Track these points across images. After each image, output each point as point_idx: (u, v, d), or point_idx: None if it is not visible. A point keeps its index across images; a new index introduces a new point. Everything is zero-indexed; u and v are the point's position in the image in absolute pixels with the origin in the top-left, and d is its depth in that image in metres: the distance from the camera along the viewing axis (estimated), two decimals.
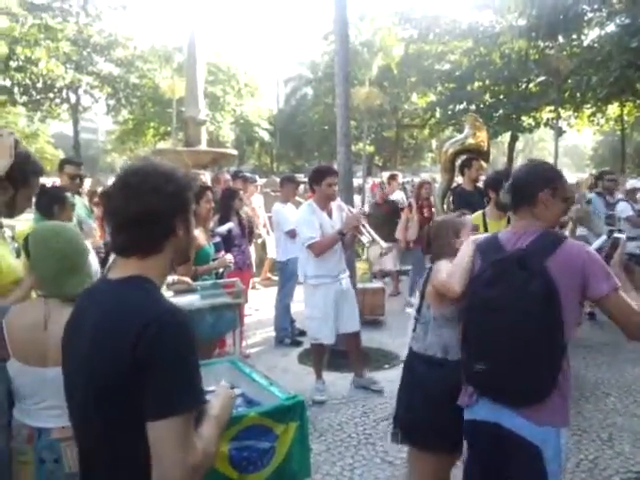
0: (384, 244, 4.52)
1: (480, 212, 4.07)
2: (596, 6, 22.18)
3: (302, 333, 6.10)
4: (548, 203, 2.11)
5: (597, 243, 2.26)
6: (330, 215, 4.55)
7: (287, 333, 6.07)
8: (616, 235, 2.18)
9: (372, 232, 4.42)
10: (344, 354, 4.93)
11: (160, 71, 31.92)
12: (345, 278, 4.65)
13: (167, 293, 3.30)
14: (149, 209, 1.34)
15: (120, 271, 1.40)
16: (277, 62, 39.97)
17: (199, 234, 4.20)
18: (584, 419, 4.17)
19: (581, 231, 6.79)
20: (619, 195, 7.07)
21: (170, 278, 3.42)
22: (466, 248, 2.29)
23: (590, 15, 22.87)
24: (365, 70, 31.41)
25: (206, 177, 8.26)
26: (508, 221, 3.93)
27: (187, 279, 3.73)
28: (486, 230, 3.90)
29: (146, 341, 1.22)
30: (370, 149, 34.74)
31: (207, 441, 1.28)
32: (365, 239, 4.36)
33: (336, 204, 4.62)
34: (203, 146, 11.17)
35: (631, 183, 7.39)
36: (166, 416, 1.20)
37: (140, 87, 31.93)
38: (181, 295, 3.53)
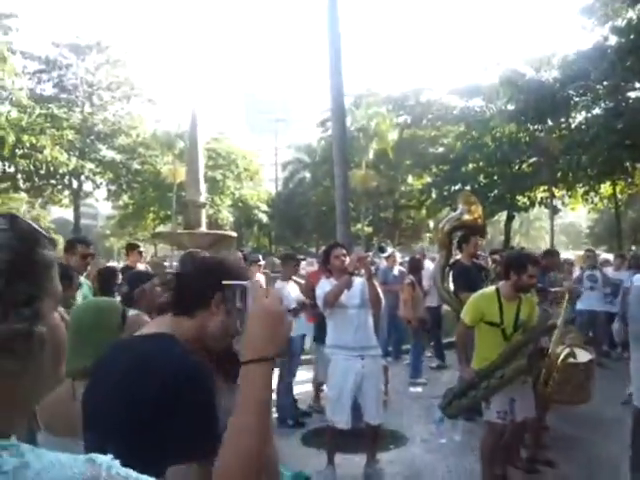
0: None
1: (493, 289, 4.04)
2: (581, 91, 23.22)
3: (305, 414, 5.90)
4: None
5: None
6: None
7: (289, 413, 5.86)
8: None
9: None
10: (352, 433, 4.50)
11: (161, 157, 32.87)
12: (370, 357, 4.31)
13: None
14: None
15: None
16: (275, 147, 40.93)
17: None
18: None
19: None
20: None
21: None
22: None
23: (576, 99, 23.89)
24: (361, 154, 32.39)
25: None
26: (520, 301, 3.95)
27: None
28: (500, 308, 3.89)
29: (172, 389, 1.24)
30: (368, 230, 35.17)
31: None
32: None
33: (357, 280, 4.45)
34: (203, 229, 11.28)
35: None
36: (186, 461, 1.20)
37: (141, 173, 32.72)
38: None
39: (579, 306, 6.50)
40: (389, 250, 9.98)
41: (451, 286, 5.91)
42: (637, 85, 21.71)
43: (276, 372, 6.14)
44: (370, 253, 4.62)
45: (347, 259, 4.40)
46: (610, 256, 9.55)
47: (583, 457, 4.76)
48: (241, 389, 1.10)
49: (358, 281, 4.34)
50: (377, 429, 4.36)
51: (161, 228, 34.20)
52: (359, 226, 32.42)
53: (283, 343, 1.17)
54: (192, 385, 1.27)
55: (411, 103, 33.98)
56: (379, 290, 4.38)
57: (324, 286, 4.33)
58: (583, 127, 23.71)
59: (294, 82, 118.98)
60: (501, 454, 4.08)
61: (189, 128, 12.67)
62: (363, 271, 4.28)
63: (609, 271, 8.89)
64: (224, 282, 1.36)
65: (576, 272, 8.62)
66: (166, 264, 16.80)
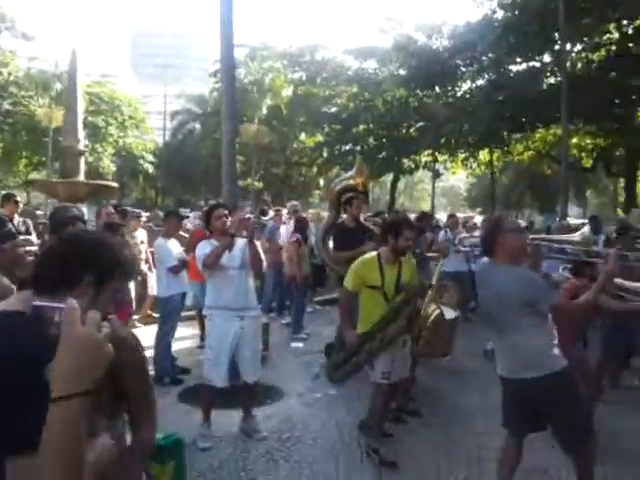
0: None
1: (375, 254, 4.16)
2: (468, 61, 24.22)
3: (185, 371, 5.86)
4: None
5: None
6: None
7: (167, 372, 5.79)
8: None
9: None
10: (228, 390, 4.50)
11: (36, 98, 30.27)
12: (249, 318, 4.31)
13: None
14: None
15: None
16: (164, 95, 39.05)
17: None
18: (455, 443, 4.33)
19: None
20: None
21: None
22: None
23: (463, 69, 24.91)
24: (254, 109, 31.83)
25: (83, 210, 7.80)
26: (400, 264, 4.11)
27: None
28: (382, 272, 4.02)
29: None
30: (259, 185, 34.96)
31: None
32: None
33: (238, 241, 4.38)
34: (81, 178, 10.59)
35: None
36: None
37: (13, 114, 30.02)
38: None
39: (446, 267, 6.89)
40: (271, 213, 10.06)
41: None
42: (518, 60, 22.98)
43: (154, 331, 6.04)
44: (252, 215, 4.60)
45: (229, 220, 4.34)
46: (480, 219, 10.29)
47: (447, 406, 5.16)
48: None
49: (239, 242, 4.30)
50: (253, 386, 4.43)
51: (35, 175, 31.80)
52: (249, 181, 32.12)
53: (98, 376, 1.03)
54: (31, 371, 1.16)
55: (307, 60, 33.74)
56: (260, 252, 4.38)
57: (204, 247, 4.26)
58: (467, 96, 24.85)
59: (187, 27, 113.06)
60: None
61: (68, 68, 11.71)
62: (245, 232, 4.24)
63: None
64: (35, 303, 1.24)
65: (442, 234, 9.07)
66: (39, 213, 15.75)
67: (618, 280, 4.35)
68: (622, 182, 25.32)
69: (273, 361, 6.31)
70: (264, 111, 32.77)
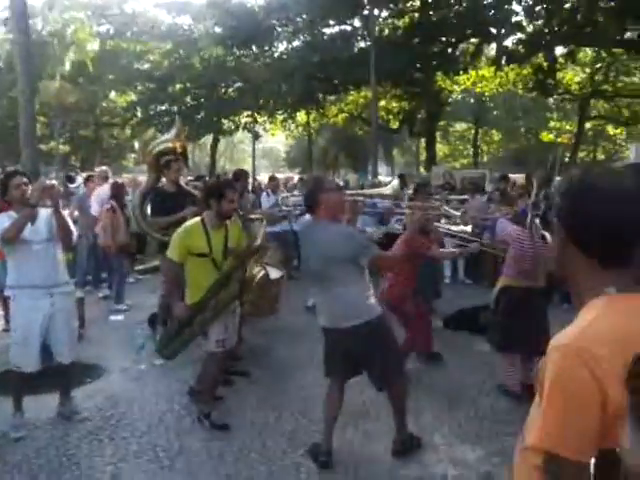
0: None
1: (199, 220, 4.03)
2: (283, 22, 24.31)
3: None
4: None
5: None
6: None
7: None
8: None
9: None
10: (42, 374, 4.08)
11: None
12: (60, 294, 3.94)
13: None
14: None
15: None
16: None
17: None
18: (284, 397, 4.50)
19: None
20: None
21: None
22: None
23: (279, 29, 24.96)
24: (55, 64, 28.79)
25: None
26: (226, 228, 4.04)
27: None
28: (208, 238, 3.92)
29: None
30: (65, 148, 32.05)
31: None
32: None
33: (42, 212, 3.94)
34: None
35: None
36: None
37: None
38: None
39: (269, 228, 6.99)
40: (79, 180, 9.31)
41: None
42: (331, 22, 23.59)
43: None
44: (55, 182, 4.18)
45: (29, 189, 3.90)
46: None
47: (273, 363, 5.32)
48: None
49: (43, 213, 3.90)
50: (70, 367, 4.12)
51: None
52: (53, 144, 29.27)
53: None
54: None
55: (114, 12, 31.25)
56: (69, 222, 4.02)
57: (2, 221, 3.78)
58: (285, 57, 25.04)
59: None
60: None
61: None
62: (49, 202, 3.85)
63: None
64: None
65: (264, 196, 9.24)
66: None
67: (442, 226, 4.92)
68: (423, 142, 27.63)
69: (91, 337, 5.92)
70: (67, 67, 29.77)
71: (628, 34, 15.28)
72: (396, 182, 5.17)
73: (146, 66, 30.29)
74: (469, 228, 5.26)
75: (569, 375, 1.08)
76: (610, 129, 30.67)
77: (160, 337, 4.54)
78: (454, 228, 5.13)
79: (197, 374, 4.29)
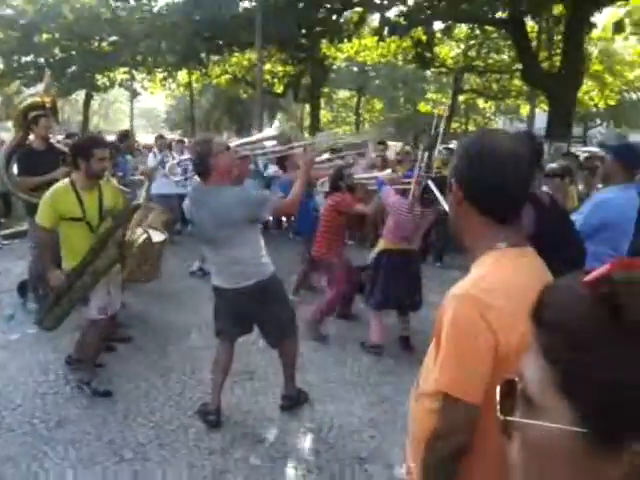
0: None
1: (68, 182, 3.76)
2: None
3: None
4: None
5: None
6: None
7: None
8: None
9: None
10: None
11: None
12: None
13: None
14: None
15: None
16: None
17: None
18: (169, 361, 4.45)
19: None
20: None
21: None
22: None
23: None
24: None
25: None
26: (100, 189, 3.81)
27: None
28: (80, 201, 3.71)
29: None
30: None
31: None
32: None
33: None
34: None
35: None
36: None
37: None
38: None
39: (155, 190, 6.75)
40: None
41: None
42: None
43: None
44: None
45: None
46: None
47: (157, 328, 5.20)
48: None
49: None
50: None
51: None
52: None
53: None
54: None
55: None
56: None
57: None
58: (165, 12, 23.78)
59: None
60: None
61: None
62: None
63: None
64: None
65: (151, 156, 8.96)
66: None
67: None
68: (308, 108, 27.78)
69: None
70: None
71: (499, 13, 16.18)
72: (277, 122, 5.21)
73: (8, 11, 27.37)
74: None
75: (465, 321, 1.20)
76: (480, 103, 32.70)
77: (38, 308, 4.27)
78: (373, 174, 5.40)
79: (76, 342, 4.11)
